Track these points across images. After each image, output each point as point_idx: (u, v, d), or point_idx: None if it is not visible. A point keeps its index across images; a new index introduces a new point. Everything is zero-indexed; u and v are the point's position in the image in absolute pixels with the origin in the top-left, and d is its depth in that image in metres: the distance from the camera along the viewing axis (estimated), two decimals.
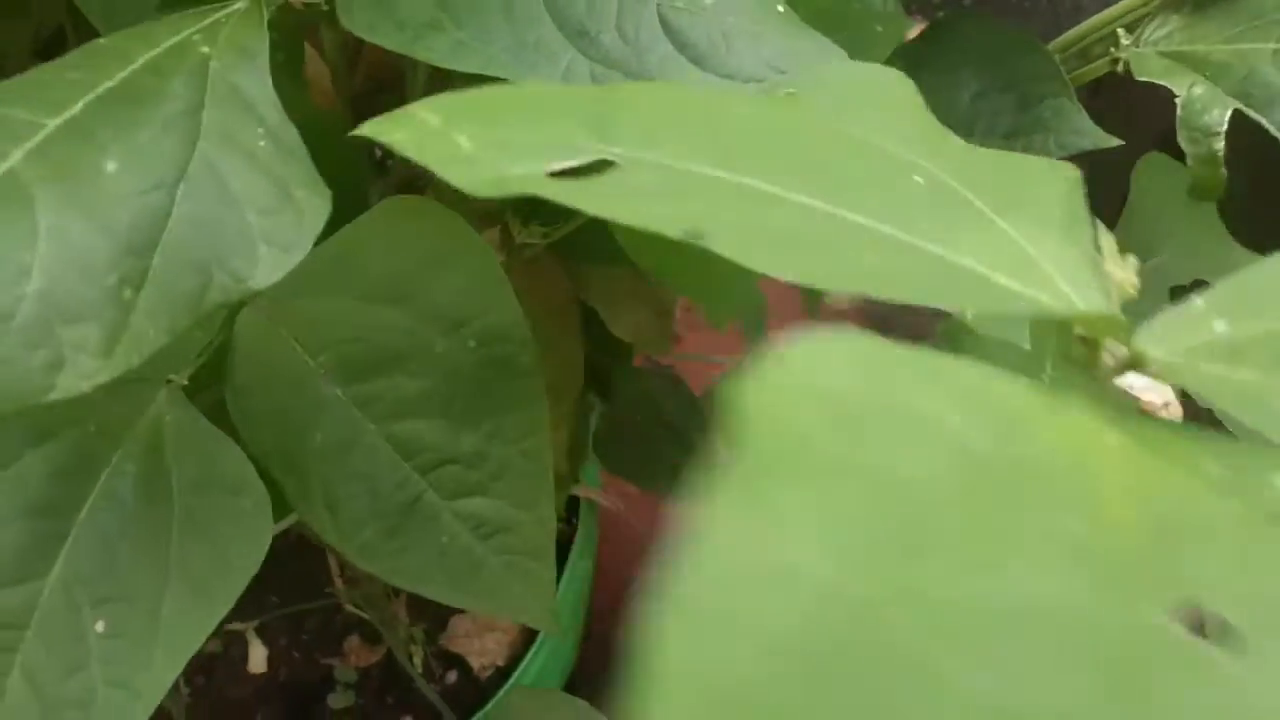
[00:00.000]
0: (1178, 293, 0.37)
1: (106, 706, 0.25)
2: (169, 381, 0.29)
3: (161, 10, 0.24)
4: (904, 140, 0.19)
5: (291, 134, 0.22)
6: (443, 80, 0.35)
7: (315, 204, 0.21)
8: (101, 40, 0.22)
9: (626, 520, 0.74)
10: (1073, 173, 0.21)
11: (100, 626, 0.25)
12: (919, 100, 0.21)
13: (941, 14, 0.44)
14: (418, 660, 0.71)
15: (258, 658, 0.62)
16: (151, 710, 0.25)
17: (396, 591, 0.74)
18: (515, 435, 0.30)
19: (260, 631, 0.71)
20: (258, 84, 0.22)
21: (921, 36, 0.43)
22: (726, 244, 0.14)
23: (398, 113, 0.16)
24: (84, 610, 0.26)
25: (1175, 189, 0.34)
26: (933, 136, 0.21)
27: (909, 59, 0.38)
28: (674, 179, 0.16)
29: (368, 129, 0.16)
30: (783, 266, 0.15)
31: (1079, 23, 0.40)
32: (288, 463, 0.29)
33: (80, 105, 0.20)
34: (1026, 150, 0.42)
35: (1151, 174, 0.36)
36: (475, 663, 0.75)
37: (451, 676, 0.75)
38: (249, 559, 0.26)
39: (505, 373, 0.30)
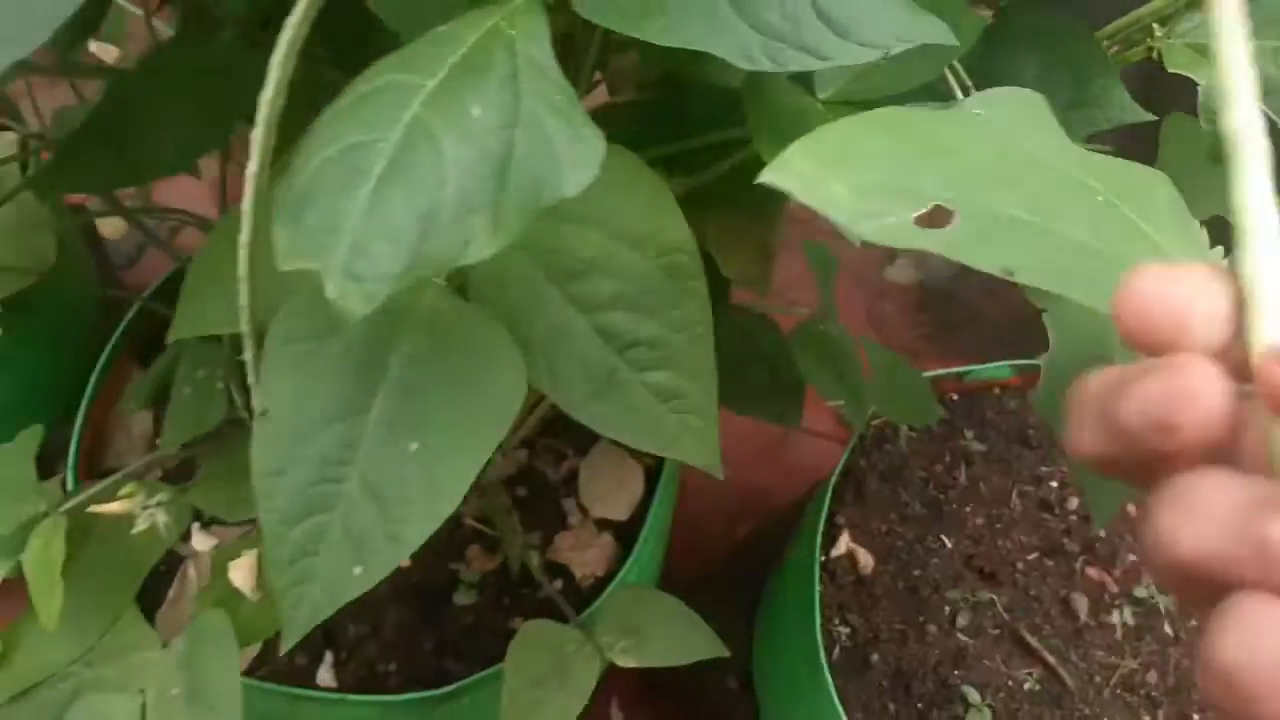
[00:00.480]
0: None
1: (423, 497, 0.35)
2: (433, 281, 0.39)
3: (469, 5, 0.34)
4: (1062, 153, 0.27)
5: (570, 90, 0.31)
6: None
7: (596, 137, 0.31)
8: (442, 28, 0.32)
9: None
10: (1166, 181, 0.27)
11: (414, 446, 0.36)
12: (1052, 116, 0.30)
13: (1005, 3, 0.53)
14: (531, 568, 0.81)
15: None
16: (456, 503, 0.35)
17: (511, 508, 0.84)
18: (684, 324, 0.40)
19: None
20: (546, 55, 0.31)
21: (991, 23, 0.52)
22: (1028, 277, 0.21)
23: (778, 162, 0.23)
24: (401, 435, 0.36)
25: (1195, 148, 0.43)
26: (1072, 147, 0.29)
27: (982, 42, 0.47)
28: (985, 221, 0.22)
29: (765, 178, 0.23)
30: (1067, 289, 0.21)
31: (1121, 15, 0.49)
32: (519, 342, 0.39)
33: (444, 71, 0.30)
34: (1080, 121, 0.51)
35: (1177, 131, 0.45)
36: (578, 572, 0.85)
37: (557, 584, 0.85)
38: (510, 404, 0.37)
39: (677, 276, 0.40)
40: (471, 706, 0.81)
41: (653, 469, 0.91)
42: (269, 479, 0.35)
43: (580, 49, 0.47)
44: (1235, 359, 0.18)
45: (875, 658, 0.89)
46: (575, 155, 0.30)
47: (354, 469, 0.36)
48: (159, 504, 0.52)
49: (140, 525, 0.52)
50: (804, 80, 0.43)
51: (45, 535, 0.59)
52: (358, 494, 0.36)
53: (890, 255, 1.41)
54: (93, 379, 0.86)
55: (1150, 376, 0.17)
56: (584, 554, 0.86)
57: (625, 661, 0.71)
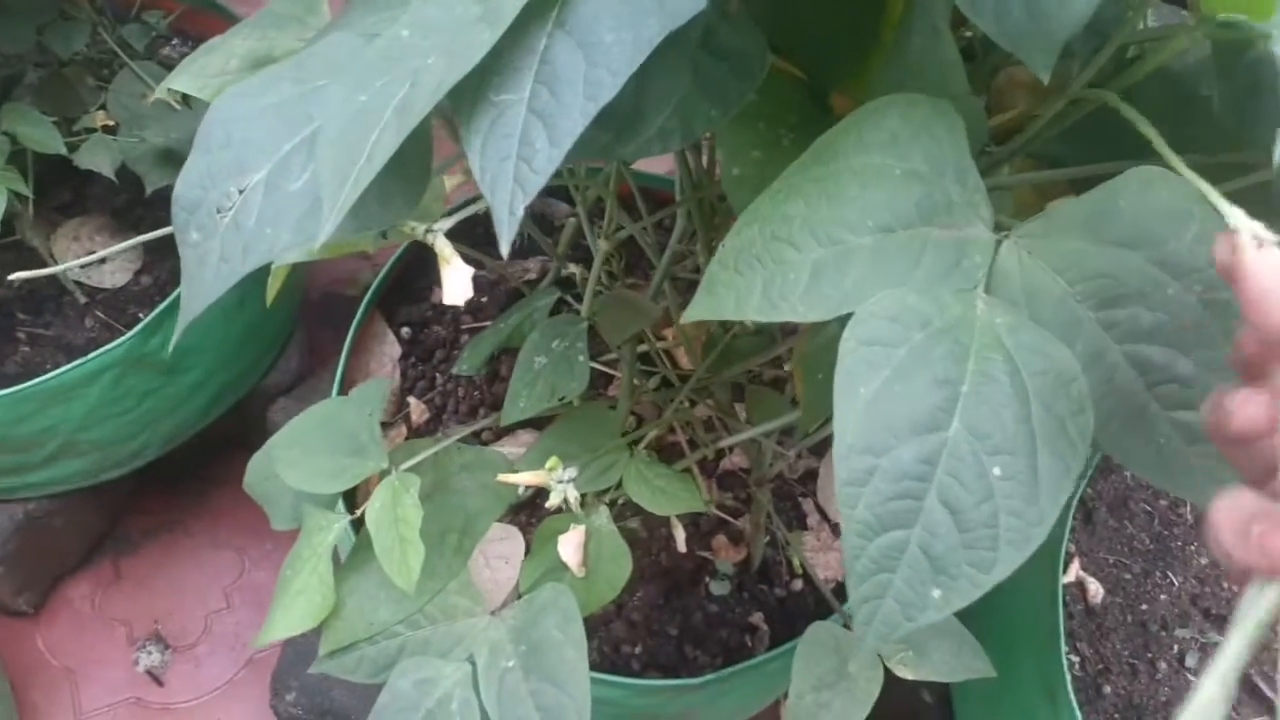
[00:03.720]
0: None
1: (1008, 529, 0.34)
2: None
3: None
4: None
5: None
6: None
7: None
8: None
9: None
10: None
11: (997, 470, 0.34)
12: None
13: None
14: (793, 564, 0.80)
15: (679, 539, 0.71)
16: (1041, 539, 0.33)
17: (769, 506, 0.83)
18: (1221, 365, 0.38)
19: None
20: None
21: None
22: None
23: None
24: (982, 457, 0.34)
25: None
26: None
27: None
28: None
29: None
30: None
31: None
32: None
33: None
34: None
35: None
36: (821, 574, 0.84)
37: (797, 585, 0.84)
38: (1084, 434, 0.35)
39: (1220, 314, 0.38)
40: (709, 698, 0.80)
41: None
42: (851, 489, 0.34)
43: None
44: None
45: (1108, 690, 0.87)
46: None
47: (934, 486, 0.34)
48: (570, 480, 0.51)
49: (554, 499, 0.51)
50: None
51: (391, 491, 0.58)
52: (938, 514, 0.34)
53: None
54: (351, 331, 0.86)
55: None
56: (825, 556, 0.85)
57: (904, 673, 0.70)
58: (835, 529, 0.88)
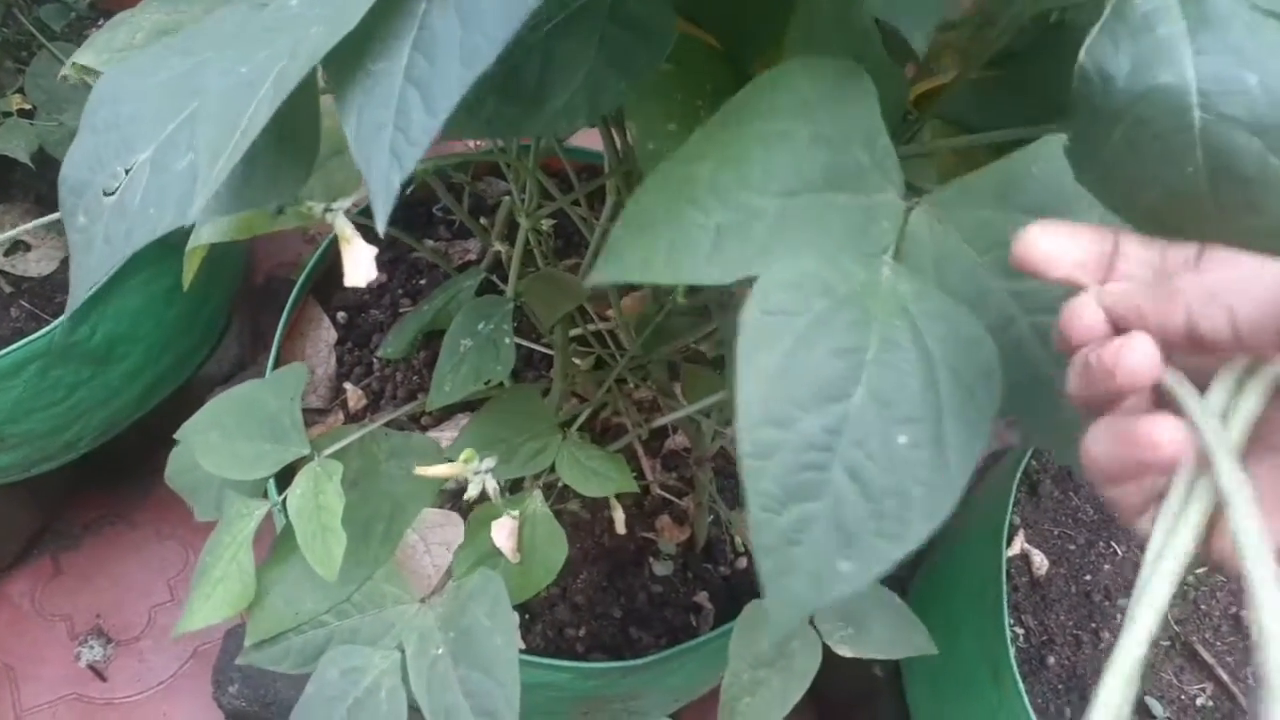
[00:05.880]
0: None
1: (917, 498, 0.33)
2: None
3: None
4: None
5: None
6: None
7: None
8: None
9: None
10: None
11: (904, 439, 0.34)
12: None
13: None
14: (734, 543, 0.80)
15: (618, 520, 0.71)
16: (951, 508, 0.33)
17: (712, 484, 0.83)
18: None
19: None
20: None
21: None
22: None
23: None
24: (889, 426, 0.34)
25: None
26: None
27: None
28: None
29: None
30: None
31: None
32: None
33: None
34: None
35: None
36: None
37: (742, 563, 0.84)
38: (992, 400, 0.34)
39: None
40: (654, 678, 0.80)
41: None
42: (756, 462, 0.33)
43: None
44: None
45: (1051, 660, 0.88)
46: None
47: (839, 457, 0.34)
48: (488, 471, 0.49)
49: (472, 491, 0.50)
50: None
51: (313, 479, 0.57)
52: (845, 485, 0.33)
53: None
54: (283, 317, 0.84)
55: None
56: None
57: (843, 650, 0.70)
58: None
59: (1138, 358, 0.28)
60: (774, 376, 0.34)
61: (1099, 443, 0.30)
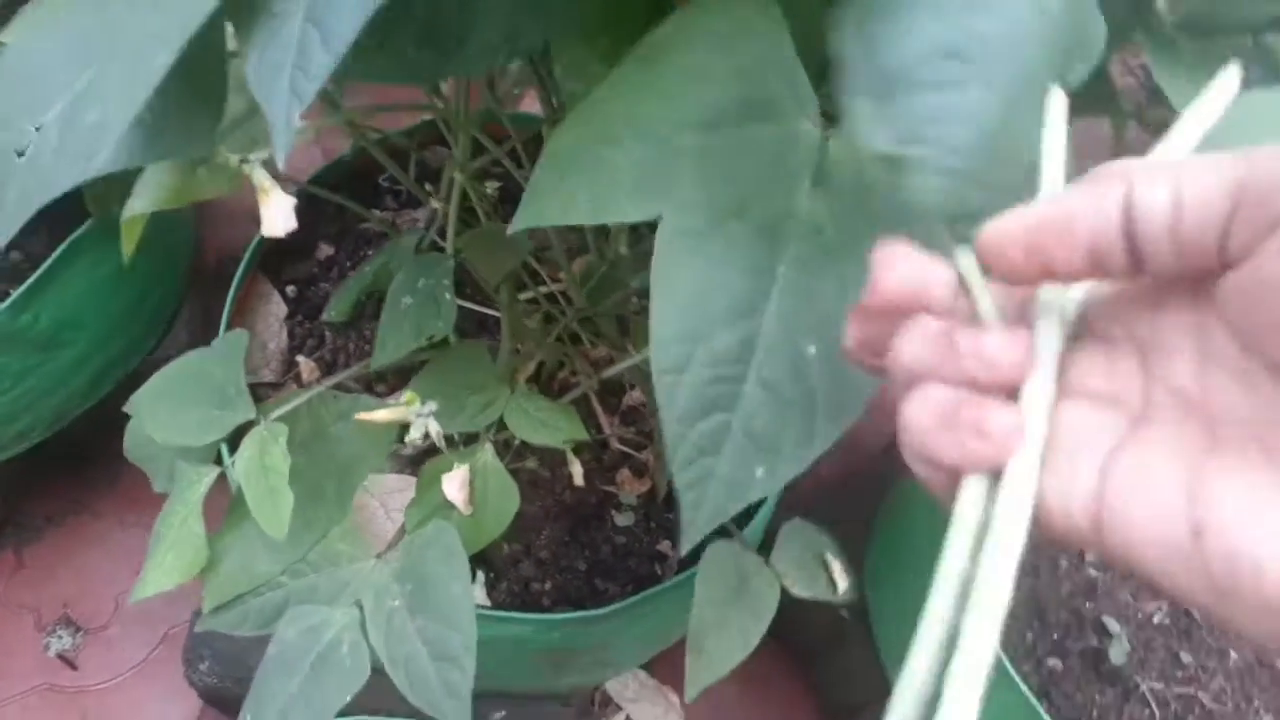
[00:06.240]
0: None
1: (825, 404, 0.34)
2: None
3: None
4: None
5: None
6: None
7: None
8: None
9: None
10: None
11: (812, 350, 0.34)
12: None
13: None
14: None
15: (576, 474, 0.72)
16: (856, 412, 0.34)
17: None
18: None
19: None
20: None
21: None
22: None
23: None
24: (799, 337, 0.35)
25: None
26: None
27: None
28: None
29: None
30: None
31: None
32: None
33: None
34: None
35: None
36: None
37: None
38: None
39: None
40: (620, 626, 0.81)
41: None
42: (669, 376, 0.34)
43: None
44: None
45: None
46: None
47: (752, 369, 0.35)
48: (429, 414, 0.50)
49: (414, 434, 0.50)
50: None
51: (259, 442, 0.57)
52: (759, 395, 0.34)
53: None
54: (230, 293, 0.84)
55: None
56: None
57: (798, 592, 0.71)
58: None
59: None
60: (687, 295, 0.35)
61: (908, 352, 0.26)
